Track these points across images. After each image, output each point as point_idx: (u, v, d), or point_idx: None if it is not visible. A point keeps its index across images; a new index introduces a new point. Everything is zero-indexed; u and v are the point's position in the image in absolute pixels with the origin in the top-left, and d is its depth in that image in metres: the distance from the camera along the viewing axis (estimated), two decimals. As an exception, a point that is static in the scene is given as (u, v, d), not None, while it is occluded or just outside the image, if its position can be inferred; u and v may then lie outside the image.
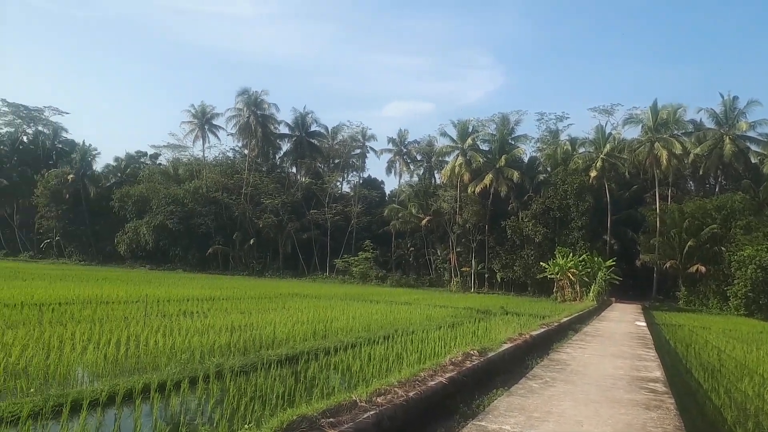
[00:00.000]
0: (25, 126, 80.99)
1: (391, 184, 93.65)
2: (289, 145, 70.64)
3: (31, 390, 7.05)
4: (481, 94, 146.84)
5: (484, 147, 56.89)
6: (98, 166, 78.28)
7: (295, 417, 4.96)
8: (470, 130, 56.43)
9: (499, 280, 53.80)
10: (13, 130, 79.89)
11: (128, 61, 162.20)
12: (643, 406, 7.15)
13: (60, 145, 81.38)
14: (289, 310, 19.14)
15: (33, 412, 5.97)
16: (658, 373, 9.93)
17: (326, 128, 71.25)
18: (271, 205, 61.50)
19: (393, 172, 71.63)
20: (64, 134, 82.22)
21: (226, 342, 11.25)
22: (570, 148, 56.44)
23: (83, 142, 76.69)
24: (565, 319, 19.18)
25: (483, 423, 5.87)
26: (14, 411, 5.91)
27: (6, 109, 78.47)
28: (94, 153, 76.08)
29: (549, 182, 52.52)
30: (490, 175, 52.24)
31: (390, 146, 70.34)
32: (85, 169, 73.00)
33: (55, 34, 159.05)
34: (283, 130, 69.62)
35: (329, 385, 8.42)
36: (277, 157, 72.82)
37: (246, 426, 5.37)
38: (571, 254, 41.70)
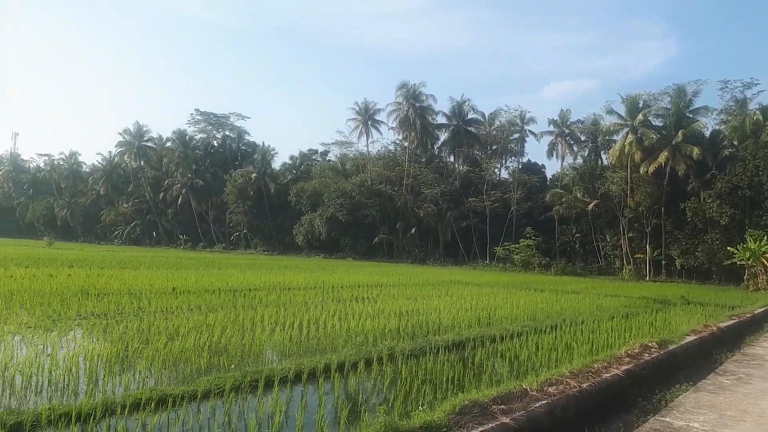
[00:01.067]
0: (215, 132, 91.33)
1: (552, 167, 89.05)
2: (446, 134, 70.74)
3: (232, 366, 7.89)
4: (650, 67, 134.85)
5: (657, 123, 51.95)
6: (276, 164, 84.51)
7: (466, 402, 5.11)
8: (641, 105, 51.86)
9: (679, 267, 49.13)
10: (205, 135, 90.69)
11: (299, 66, 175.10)
12: None
13: (244, 147, 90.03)
14: (452, 297, 19.43)
15: (234, 385, 6.67)
16: None
17: (483, 115, 70.09)
18: (431, 194, 62.48)
19: (554, 155, 68.17)
20: (246, 137, 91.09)
21: (396, 326, 11.74)
22: (761, 118, 49.32)
23: (263, 144, 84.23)
24: (760, 310, 17.23)
25: (667, 419, 5.54)
26: (219, 384, 6.66)
27: (200, 117, 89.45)
28: (272, 153, 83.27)
29: (736, 158, 46.59)
30: (666, 153, 47.70)
31: (551, 128, 67.13)
32: (265, 167, 79.38)
33: (236, 47, 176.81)
34: (440, 120, 69.89)
35: (497, 372, 8.44)
36: (435, 147, 73.36)
37: (420, 408, 5.63)
38: (765, 237, 36.90)
